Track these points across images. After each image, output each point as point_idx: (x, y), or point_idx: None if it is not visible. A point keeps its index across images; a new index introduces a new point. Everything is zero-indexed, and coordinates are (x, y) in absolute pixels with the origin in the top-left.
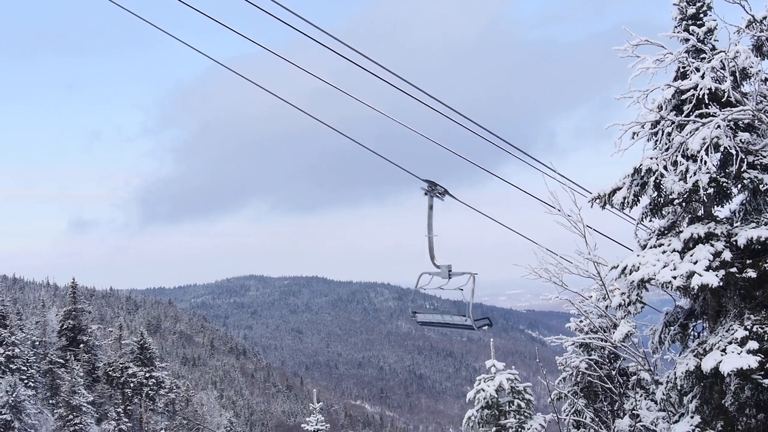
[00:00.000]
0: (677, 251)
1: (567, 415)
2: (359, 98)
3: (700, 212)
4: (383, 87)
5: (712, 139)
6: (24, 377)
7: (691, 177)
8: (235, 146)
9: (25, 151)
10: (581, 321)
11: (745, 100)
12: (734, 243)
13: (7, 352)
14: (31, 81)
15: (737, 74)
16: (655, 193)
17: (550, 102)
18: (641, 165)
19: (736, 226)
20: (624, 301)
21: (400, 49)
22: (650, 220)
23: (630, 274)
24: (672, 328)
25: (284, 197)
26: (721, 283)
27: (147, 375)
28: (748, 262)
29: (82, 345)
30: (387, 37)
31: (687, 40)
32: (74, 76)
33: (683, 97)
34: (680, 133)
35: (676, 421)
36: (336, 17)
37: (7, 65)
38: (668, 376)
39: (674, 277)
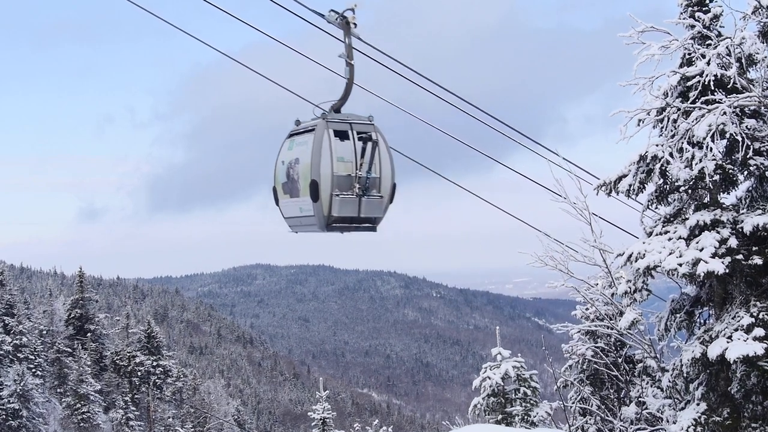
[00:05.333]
0: (683, 238)
1: (573, 403)
2: (368, 88)
3: (706, 199)
4: (392, 77)
5: (718, 125)
6: (32, 366)
7: (696, 164)
8: (245, 134)
9: (40, 140)
10: (587, 308)
11: (751, 86)
12: (740, 230)
13: (14, 341)
14: (47, 70)
15: (743, 60)
16: (661, 180)
17: (564, 89)
18: (647, 152)
19: (742, 213)
20: (630, 288)
21: (417, 36)
22: (656, 208)
23: (636, 261)
24: (678, 315)
25: None
26: (727, 270)
27: (154, 364)
28: (754, 249)
29: (89, 334)
30: (405, 24)
31: (693, 26)
32: (88, 64)
33: (689, 83)
34: (686, 119)
35: (682, 408)
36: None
37: (24, 55)
38: (674, 364)
39: (680, 264)
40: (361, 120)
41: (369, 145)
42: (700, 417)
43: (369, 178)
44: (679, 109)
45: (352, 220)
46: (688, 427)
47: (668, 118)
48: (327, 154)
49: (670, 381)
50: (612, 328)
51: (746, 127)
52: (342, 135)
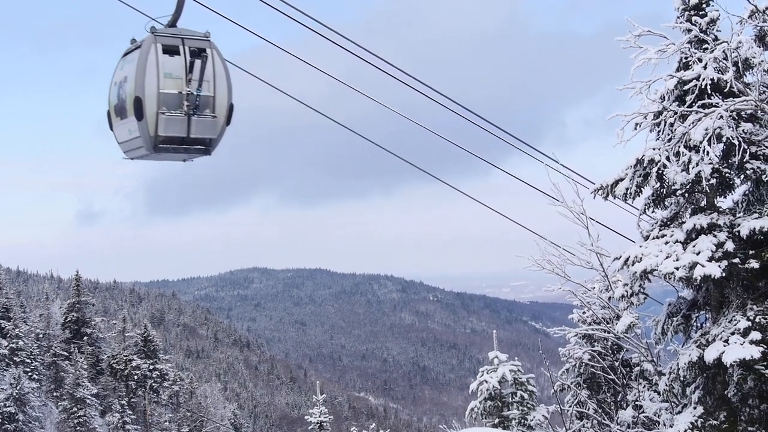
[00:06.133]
0: (680, 242)
1: (570, 407)
2: (367, 94)
3: (703, 203)
4: (391, 82)
5: (715, 129)
6: (28, 370)
7: (693, 168)
8: (244, 137)
9: (40, 140)
10: (584, 312)
11: (747, 90)
12: (737, 234)
13: (11, 345)
14: (48, 71)
15: (740, 65)
16: (658, 184)
17: (564, 92)
18: (643, 156)
19: (739, 217)
20: (627, 292)
21: (418, 39)
22: (653, 211)
23: (632, 265)
24: (675, 319)
25: (292, 189)
26: (723, 274)
27: (151, 367)
28: (750, 252)
29: (86, 337)
30: (405, 25)
31: (689, 30)
32: (89, 65)
33: (685, 87)
34: (683, 123)
35: (679, 412)
36: (357, 6)
37: (25, 56)
38: (671, 367)
39: (677, 268)
40: (195, 35)
41: (200, 60)
42: (696, 421)
43: (200, 96)
44: (675, 113)
45: (182, 141)
46: (685, 430)
47: (665, 122)
48: (153, 70)
49: (667, 385)
50: (609, 332)
51: (743, 131)
52: (172, 51)
